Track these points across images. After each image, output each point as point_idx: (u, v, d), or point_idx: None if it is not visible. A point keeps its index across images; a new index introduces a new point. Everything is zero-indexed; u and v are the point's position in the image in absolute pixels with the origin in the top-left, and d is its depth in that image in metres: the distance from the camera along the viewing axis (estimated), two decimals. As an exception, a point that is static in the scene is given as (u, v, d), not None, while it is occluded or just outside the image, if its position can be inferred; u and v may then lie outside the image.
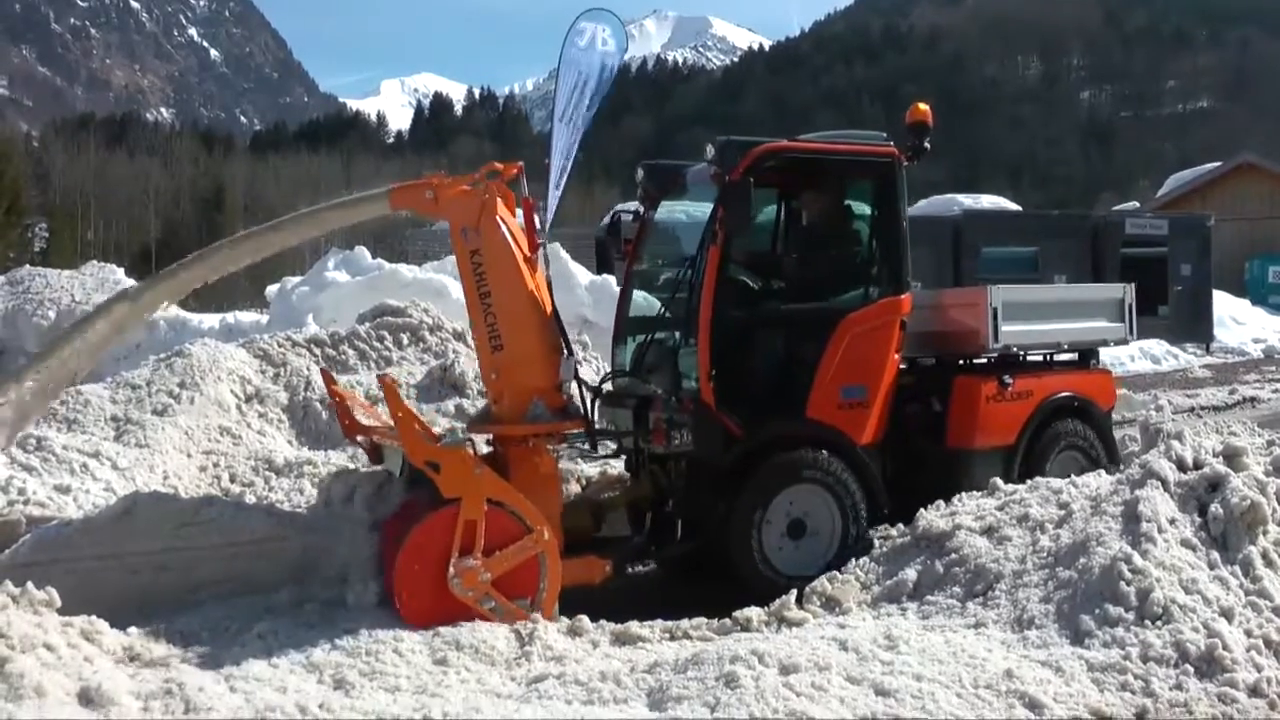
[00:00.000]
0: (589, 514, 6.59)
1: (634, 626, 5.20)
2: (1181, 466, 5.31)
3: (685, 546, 6.33)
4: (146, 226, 61.40)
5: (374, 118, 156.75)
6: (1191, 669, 4.25)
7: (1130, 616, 4.50)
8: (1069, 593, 4.75)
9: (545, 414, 5.76)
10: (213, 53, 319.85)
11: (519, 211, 6.06)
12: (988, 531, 5.44)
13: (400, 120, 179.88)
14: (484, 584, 5.21)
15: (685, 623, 5.29)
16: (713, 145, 6.34)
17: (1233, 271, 29.73)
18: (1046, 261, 22.95)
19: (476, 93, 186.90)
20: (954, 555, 5.34)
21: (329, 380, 6.74)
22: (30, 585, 4.84)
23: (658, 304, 6.87)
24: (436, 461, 5.29)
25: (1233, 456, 5.34)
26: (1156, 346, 20.38)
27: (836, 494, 6.24)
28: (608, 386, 6.74)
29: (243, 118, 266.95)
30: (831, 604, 5.40)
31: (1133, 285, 7.63)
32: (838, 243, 6.86)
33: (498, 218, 5.76)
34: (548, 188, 12.75)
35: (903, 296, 6.67)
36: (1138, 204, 39.25)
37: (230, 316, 19.26)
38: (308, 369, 9.74)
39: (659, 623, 5.28)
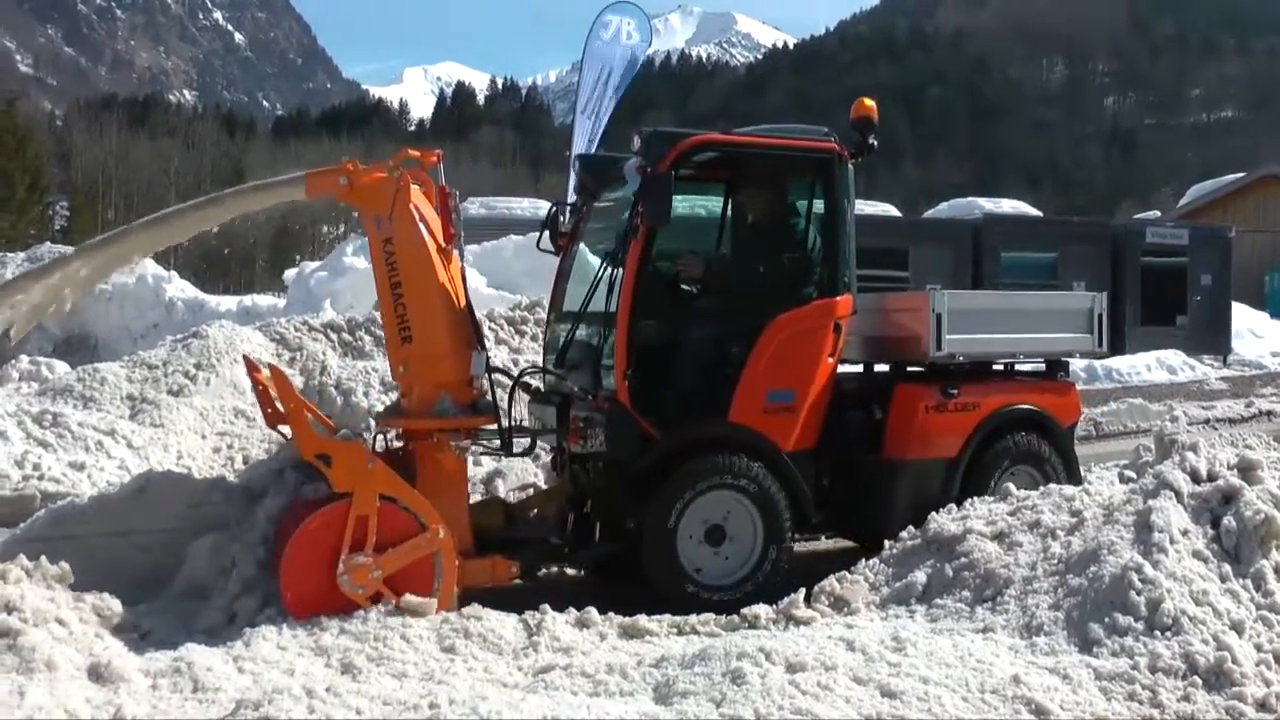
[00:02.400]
0: (501, 513, 6.43)
1: (642, 620, 5.20)
2: (1195, 478, 5.27)
3: (603, 549, 6.13)
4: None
5: (396, 105, 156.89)
6: (1200, 681, 4.23)
7: (1140, 626, 4.47)
8: (1078, 600, 4.73)
9: (452, 409, 5.62)
10: (237, 36, 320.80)
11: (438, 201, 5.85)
12: (999, 537, 5.42)
13: (422, 108, 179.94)
14: (375, 581, 5.09)
15: (693, 618, 5.28)
16: (639, 136, 6.12)
17: (1253, 284, 29.52)
18: (1066, 268, 22.83)
19: (499, 83, 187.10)
20: (964, 559, 5.31)
21: (252, 368, 6.43)
22: (44, 560, 4.90)
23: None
24: (328, 454, 5.17)
25: (1247, 469, 5.30)
26: (1173, 357, 20.23)
27: (757, 501, 5.99)
28: (535, 383, 6.52)
29: (265, 102, 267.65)
30: (840, 604, 5.38)
31: (1104, 295, 7.16)
32: (770, 240, 6.53)
33: (412, 206, 5.61)
34: (569, 179, 12.79)
35: (839, 299, 6.37)
36: (1159, 213, 39.06)
37: (248, 299, 19.38)
38: (324, 354, 9.80)
39: (667, 617, 5.28)
